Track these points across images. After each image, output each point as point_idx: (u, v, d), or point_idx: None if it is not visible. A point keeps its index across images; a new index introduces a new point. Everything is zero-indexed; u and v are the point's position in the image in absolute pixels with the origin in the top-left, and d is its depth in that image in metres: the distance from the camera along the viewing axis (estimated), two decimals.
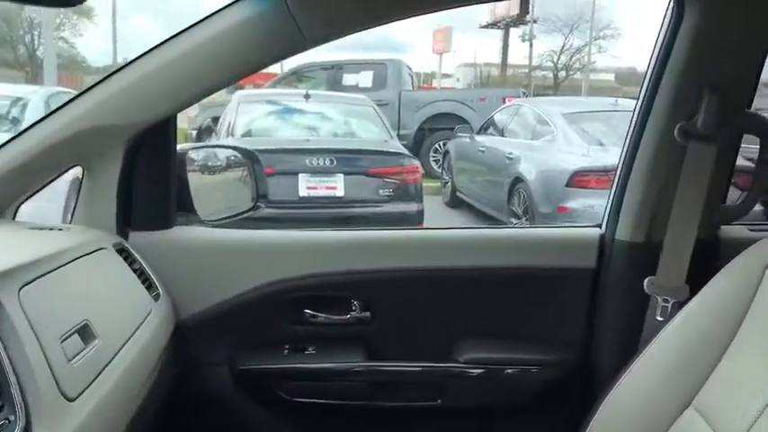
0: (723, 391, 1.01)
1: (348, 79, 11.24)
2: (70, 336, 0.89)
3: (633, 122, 1.31)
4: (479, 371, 1.34)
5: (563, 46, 23.91)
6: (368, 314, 1.38)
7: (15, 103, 6.29)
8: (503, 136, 7.55)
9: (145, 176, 1.34)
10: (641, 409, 1.09)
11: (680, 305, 1.17)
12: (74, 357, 0.87)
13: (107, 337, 0.98)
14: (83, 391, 0.85)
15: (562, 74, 24.84)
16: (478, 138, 7.81)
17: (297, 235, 1.44)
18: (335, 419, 1.39)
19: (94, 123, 1.22)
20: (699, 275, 1.13)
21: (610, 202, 1.37)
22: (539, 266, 1.36)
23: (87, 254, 1.10)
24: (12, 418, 0.74)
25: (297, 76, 11.56)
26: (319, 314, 1.39)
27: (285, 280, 1.37)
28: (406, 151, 5.63)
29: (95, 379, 0.90)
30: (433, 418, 1.37)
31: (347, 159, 5.14)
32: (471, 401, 1.35)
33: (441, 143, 9.72)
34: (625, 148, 1.33)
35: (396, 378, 1.37)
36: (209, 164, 2.03)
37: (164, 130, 1.32)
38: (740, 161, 1.33)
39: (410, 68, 12.05)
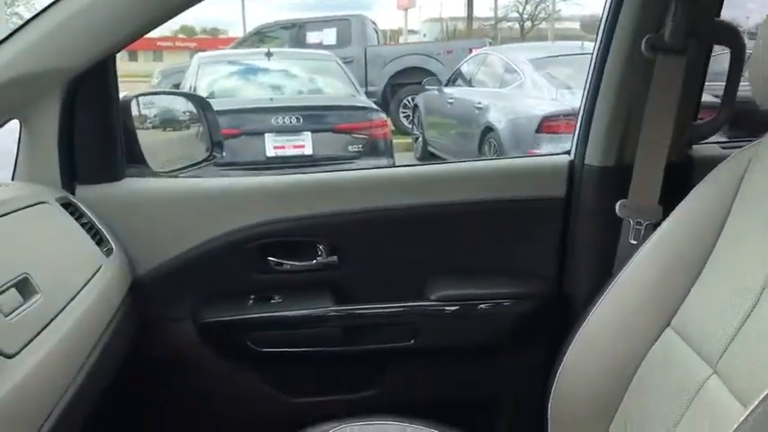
0: (701, 310, 0.98)
1: (312, 37, 11.06)
2: (6, 290, 0.83)
3: (598, 42, 1.25)
4: (453, 308, 1.31)
5: None
6: (335, 258, 1.33)
7: None
8: (471, 86, 7.50)
9: (87, 126, 1.26)
10: (619, 333, 1.06)
11: (653, 227, 1.14)
12: (11, 312, 0.81)
13: (50, 292, 0.92)
14: (22, 349, 0.80)
15: (528, 24, 24.74)
16: (447, 90, 7.75)
17: (256, 180, 1.38)
18: (307, 367, 1.35)
19: (27, 70, 1.13)
20: (672, 196, 1.10)
21: (578, 127, 1.32)
22: (507, 198, 1.31)
23: (25, 207, 1.02)
24: None
25: (259, 37, 11.34)
26: (284, 261, 1.33)
27: (246, 228, 1.30)
28: (373, 105, 5.56)
29: (37, 336, 0.84)
30: (407, 359, 1.34)
31: (313, 116, 5.06)
32: (446, 340, 1.32)
33: (410, 98, 9.65)
34: (591, 70, 1.27)
35: (367, 321, 1.32)
36: (166, 119, 1.94)
37: (102, 74, 1.24)
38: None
39: (374, 24, 11.86)
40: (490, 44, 11.09)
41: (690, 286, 1.01)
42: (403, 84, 10.34)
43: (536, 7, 24.24)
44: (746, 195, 0.96)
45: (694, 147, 1.31)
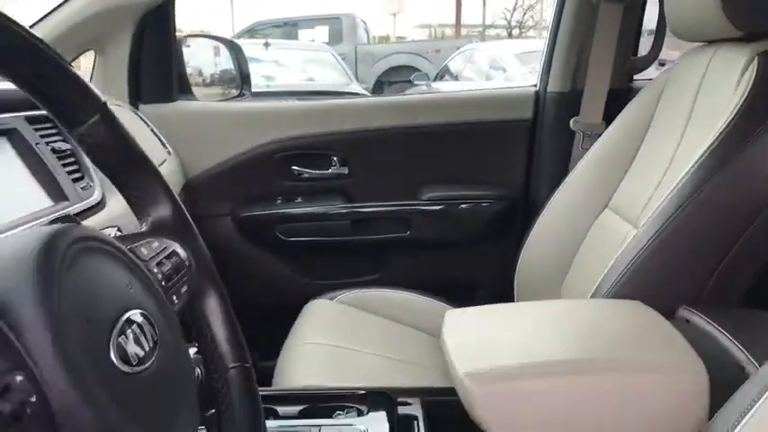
0: (629, 190, 1.31)
1: (303, 35, 11.31)
2: None
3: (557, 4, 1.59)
4: (439, 207, 1.63)
5: (516, 3, 24.18)
6: (346, 168, 1.65)
7: None
8: (457, 81, 7.80)
9: (150, 56, 1.57)
10: (568, 217, 1.38)
11: (597, 137, 1.47)
12: None
13: None
14: None
15: (516, 32, 25.14)
16: (435, 85, 8.04)
17: (284, 104, 1.70)
18: (323, 253, 1.67)
19: (106, 6, 1.44)
20: (613, 115, 1.43)
21: (542, 62, 1.65)
22: (486, 120, 1.64)
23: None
24: None
25: (251, 35, 11.57)
26: (305, 170, 1.65)
27: (274, 142, 1.62)
28: (367, 93, 5.87)
29: None
30: (402, 247, 1.66)
31: None
32: (434, 232, 1.64)
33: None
34: (552, 18, 1.61)
35: (371, 216, 1.65)
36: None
37: (165, 13, 1.55)
38: None
39: (365, 23, 12.15)
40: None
41: (623, 176, 1.33)
42: (392, 81, 10.58)
43: (524, 15, 24.67)
44: (662, 107, 1.29)
45: (635, 79, 1.64)
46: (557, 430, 0.75)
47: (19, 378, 0.33)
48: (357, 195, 1.66)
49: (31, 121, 0.96)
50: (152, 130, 1.51)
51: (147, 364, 0.40)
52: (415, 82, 8.57)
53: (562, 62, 1.58)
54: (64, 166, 0.96)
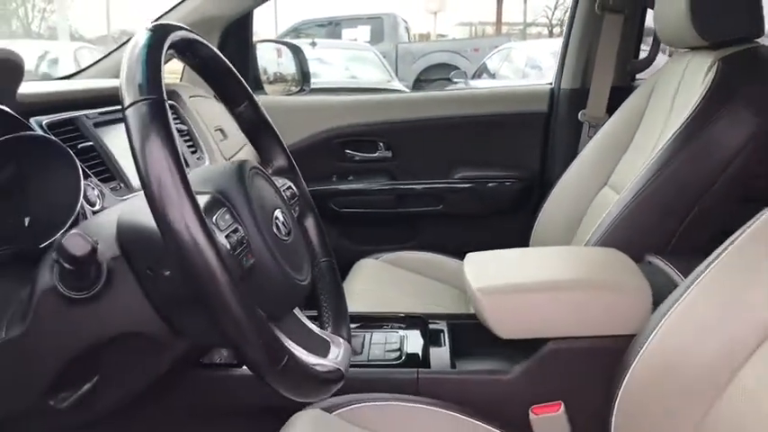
0: (623, 169, 1.59)
1: (346, 34, 11.68)
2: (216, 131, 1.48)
3: (572, 4, 1.88)
4: (468, 185, 1.95)
5: (557, 1, 24.23)
6: (390, 152, 1.97)
7: (42, 58, 6.82)
8: (494, 80, 8.07)
9: (231, 58, 1.91)
10: (574, 192, 1.67)
11: (601, 126, 1.76)
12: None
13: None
14: None
15: (557, 30, 25.17)
16: (472, 83, 8.31)
17: (339, 98, 2.03)
18: (369, 222, 1.99)
19: (202, 15, 1.79)
20: (615, 108, 1.71)
21: (558, 64, 1.95)
22: (509, 112, 1.94)
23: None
24: None
25: (296, 34, 12.00)
26: (356, 153, 1.98)
27: (332, 129, 1.96)
28: (407, 90, 6.19)
29: None
30: (435, 218, 1.97)
31: None
32: (463, 207, 1.95)
33: None
34: (566, 25, 1.90)
35: (409, 192, 1.97)
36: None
37: (244, 22, 1.90)
38: None
39: (406, 22, 12.46)
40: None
41: (619, 158, 1.62)
42: (431, 79, 10.84)
43: (565, 13, 24.66)
44: (652, 102, 1.57)
45: (638, 78, 1.92)
46: (542, 327, 1.06)
47: (238, 227, 0.65)
48: (398, 174, 1.98)
49: None
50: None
51: (289, 238, 0.73)
52: (454, 80, 8.86)
53: (573, 64, 1.88)
54: (184, 142, 1.31)
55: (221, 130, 1.57)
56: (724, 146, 1.27)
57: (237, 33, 1.89)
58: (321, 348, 0.77)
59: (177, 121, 1.33)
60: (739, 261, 0.87)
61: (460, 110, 1.96)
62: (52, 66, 6.56)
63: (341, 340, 0.82)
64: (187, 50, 0.75)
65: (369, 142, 1.97)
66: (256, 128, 0.88)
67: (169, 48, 0.68)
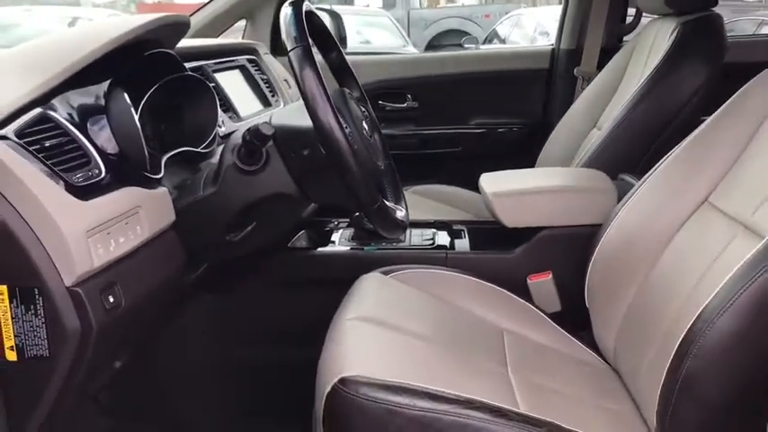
0: (609, 113, 1.97)
1: (358, 1, 11.93)
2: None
3: None
4: (482, 130, 2.35)
5: None
6: (416, 103, 2.37)
7: (73, 23, 7.15)
8: (505, 45, 8.35)
9: None
10: (568, 134, 2.06)
11: (591, 80, 2.14)
12: None
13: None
14: None
15: None
16: (483, 48, 8.62)
17: (372, 57, 2.43)
18: (398, 162, 2.38)
19: None
20: (604, 64, 2.08)
21: (558, 30, 2.33)
22: (516, 69, 2.33)
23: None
24: None
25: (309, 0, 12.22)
26: (387, 104, 2.37)
27: (367, 84, 2.32)
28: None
29: None
30: (454, 159, 2.38)
31: None
32: (477, 149, 2.36)
33: None
34: None
35: (433, 137, 2.37)
36: None
37: None
38: None
39: None
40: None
41: (606, 105, 2.00)
42: (443, 45, 11.09)
43: None
44: (632, 59, 1.94)
45: (625, 40, 2.29)
46: (536, 218, 1.47)
47: (346, 125, 1.05)
48: (423, 122, 2.38)
49: (249, 61, 1.70)
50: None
51: (371, 138, 1.13)
52: (465, 45, 9.13)
53: (569, 28, 2.27)
54: (267, 87, 1.70)
55: (286, 81, 1.96)
56: (681, 90, 1.66)
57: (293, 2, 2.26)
58: (392, 208, 1.19)
59: (258, 72, 1.72)
60: (675, 162, 1.27)
61: (476, 67, 2.35)
62: None
63: (402, 207, 1.23)
64: (306, 17, 1.15)
65: (398, 95, 2.37)
66: (342, 70, 1.28)
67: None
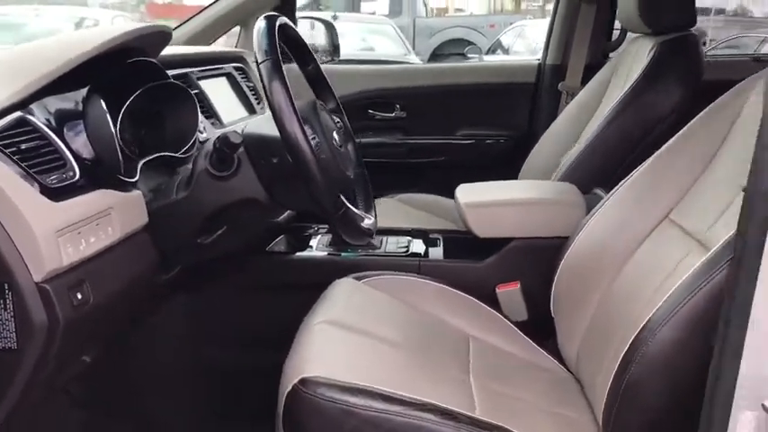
0: (589, 129, 2.02)
1: (365, 7, 12.01)
2: None
3: None
4: (468, 141, 2.39)
5: None
6: (404, 113, 2.42)
7: (80, 24, 7.25)
8: (508, 55, 8.43)
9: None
10: (551, 147, 2.10)
11: (574, 94, 2.18)
12: None
13: None
14: None
15: None
16: (486, 59, 8.68)
17: (364, 67, 2.47)
18: (387, 169, 2.44)
19: None
20: (589, 80, 2.13)
21: (544, 45, 2.37)
22: (504, 82, 2.38)
23: None
24: None
25: (315, 4, 12.33)
26: (377, 113, 2.42)
27: (358, 93, 2.40)
28: (421, 63, 6.59)
29: None
30: (440, 168, 2.42)
31: None
32: (463, 159, 2.40)
33: None
34: (552, 11, 2.32)
35: (419, 146, 2.41)
36: None
37: (290, 4, 2.33)
38: None
39: None
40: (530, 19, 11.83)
41: (588, 120, 2.04)
42: (447, 54, 11.16)
43: None
44: (615, 75, 1.98)
45: (611, 56, 2.34)
46: (507, 229, 1.51)
47: (315, 135, 1.10)
48: (411, 131, 2.42)
49: (236, 69, 1.75)
50: None
51: (342, 148, 1.17)
52: (468, 55, 9.23)
53: (555, 43, 2.31)
54: (252, 94, 1.75)
55: None
56: (656, 108, 1.71)
57: (284, 10, 2.31)
58: (359, 216, 1.23)
59: (245, 80, 1.77)
60: (641, 177, 1.31)
61: (465, 79, 2.40)
62: None
63: (371, 215, 1.28)
64: (281, 30, 1.19)
65: (387, 104, 2.41)
66: (318, 81, 1.33)
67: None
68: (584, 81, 2.18)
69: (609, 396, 1.00)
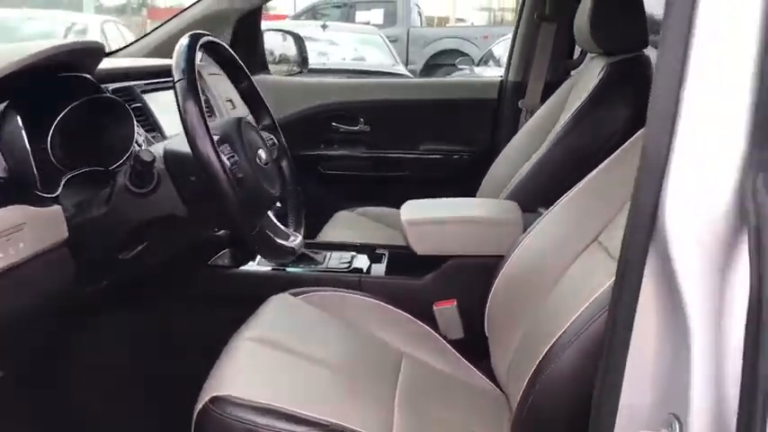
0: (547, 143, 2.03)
1: (360, 16, 12.04)
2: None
3: (518, 12, 2.32)
4: (431, 156, 2.40)
5: None
6: (368, 127, 2.43)
7: (70, 29, 7.26)
8: (500, 66, 8.45)
9: (243, 44, 2.36)
10: (510, 162, 2.11)
11: (533, 112, 2.19)
12: None
13: None
14: None
15: None
16: (477, 70, 8.69)
17: (328, 80, 2.49)
18: (348, 182, 2.45)
19: (219, 8, 2.23)
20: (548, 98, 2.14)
21: (506, 63, 2.39)
22: (467, 98, 2.39)
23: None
24: None
25: (312, 13, 12.39)
26: (340, 126, 2.43)
27: (322, 105, 2.41)
28: (408, 73, 6.61)
29: None
30: (403, 182, 2.43)
31: None
32: (425, 173, 2.41)
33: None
34: (513, 30, 2.34)
35: (382, 160, 2.42)
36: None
37: (254, 15, 2.34)
38: None
39: (419, 7, 12.79)
40: None
41: (545, 138, 2.06)
42: (441, 64, 11.19)
43: None
44: (571, 94, 2.00)
45: (572, 74, 2.35)
46: (445, 247, 1.52)
47: (234, 154, 1.11)
48: (374, 145, 2.43)
49: None
50: None
51: (267, 166, 1.19)
52: (459, 66, 9.24)
53: (516, 61, 2.32)
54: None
55: (231, 101, 2.02)
56: (600, 131, 1.72)
57: (248, 23, 2.33)
58: (284, 234, 1.24)
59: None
60: (576, 197, 1.32)
61: (428, 94, 2.41)
62: (79, 36, 7.00)
63: (297, 234, 1.28)
64: (210, 49, 1.21)
65: (351, 118, 2.42)
66: (252, 99, 1.34)
67: (199, 47, 1.14)
68: (545, 98, 2.19)
69: (514, 420, 1.00)
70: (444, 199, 1.73)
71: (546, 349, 1.00)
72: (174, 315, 1.56)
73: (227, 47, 1.26)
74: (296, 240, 1.23)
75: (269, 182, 1.17)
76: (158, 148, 1.18)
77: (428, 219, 1.54)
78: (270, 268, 1.61)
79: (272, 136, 1.35)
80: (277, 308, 1.37)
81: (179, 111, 1.03)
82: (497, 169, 2.13)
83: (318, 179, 2.44)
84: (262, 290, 1.44)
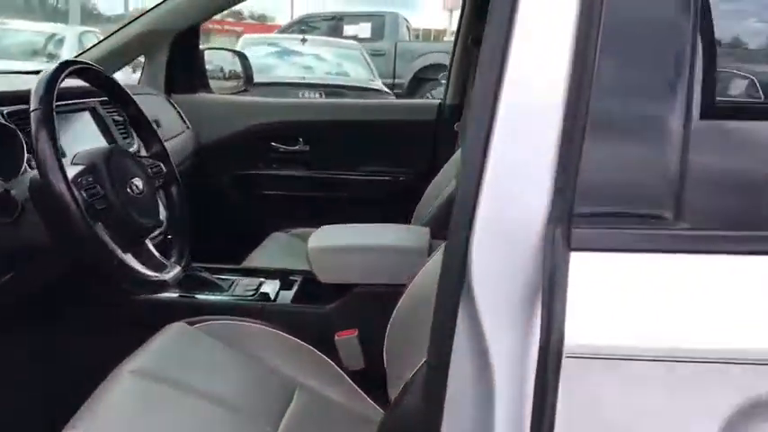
0: None
1: (348, 30, 12.08)
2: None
3: (454, 39, 2.31)
4: (370, 177, 2.38)
5: None
6: (307, 146, 2.41)
7: (50, 39, 7.27)
8: None
9: (181, 62, 2.35)
10: (437, 187, 2.10)
11: None
12: None
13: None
14: None
15: None
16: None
17: (268, 100, 2.47)
18: (287, 201, 2.43)
19: (158, 27, 2.21)
20: None
21: (445, 85, 2.38)
22: (407, 120, 2.39)
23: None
24: None
25: (301, 26, 12.43)
26: (280, 145, 2.41)
27: (261, 124, 2.39)
28: (385, 89, 6.58)
29: None
30: (341, 203, 2.41)
31: (335, 94, 6.12)
32: (363, 194, 2.39)
33: (432, 93, 10.59)
34: (451, 53, 2.34)
35: (321, 180, 2.41)
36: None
37: (193, 33, 2.33)
38: None
39: (407, 21, 12.85)
40: None
41: None
42: (428, 79, 11.20)
43: None
44: None
45: None
46: (349, 276, 1.50)
47: (96, 185, 1.09)
48: (313, 165, 2.42)
49: (102, 103, 1.74)
50: (177, 111, 2.29)
51: (141, 196, 1.16)
52: (442, 81, 9.23)
53: (454, 83, 2.32)
54: (118, 129, 1.74)
55: (157, 122, 2.00)
56: None
57: (186, 42, 2.32)
58: (158, 265, 1.22)
59: (114, 113, 1.76)
60: None
61: (368, 116, 2.40)
62: (58, 46, 7.02)
63: (176, 265, 1.26)
64: (87, 75, 1.19)
65: (290, 137, 2.41)
66: (139, 125, 1.32)
67: (72, 74, 1.12)
68: None
69: None
70: (359, 225, 1.71)
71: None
72: (71, 339, 1.53)
73: (105, 73, 1.24)
74: (171, 271, 1.21)
75: (142, 212, 1.15)
76: (26, 179, 1.16)
77: (331, 246, 1.52)
78: (177, 295, 1.58)
79: (158, 163, 1.32)
80: (169, 338, 1.34)
81: (32, 141, 1.01)
82: (430, 192, 2.11)
83: (256, 199, 2.42)
84: (162, 317, 1.41)
